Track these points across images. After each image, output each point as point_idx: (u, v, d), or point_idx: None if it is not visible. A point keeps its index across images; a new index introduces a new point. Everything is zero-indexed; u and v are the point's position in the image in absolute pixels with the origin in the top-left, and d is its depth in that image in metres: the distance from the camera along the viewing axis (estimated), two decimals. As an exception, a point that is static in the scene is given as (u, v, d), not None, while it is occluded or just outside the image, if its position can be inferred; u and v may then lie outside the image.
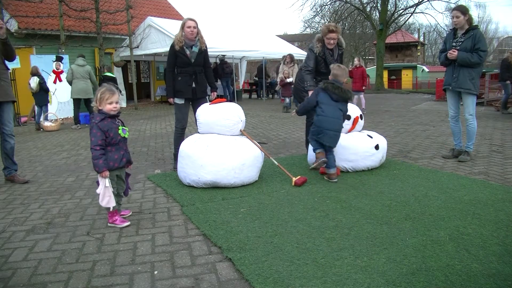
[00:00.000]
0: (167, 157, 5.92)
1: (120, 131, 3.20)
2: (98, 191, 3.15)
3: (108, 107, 3.14)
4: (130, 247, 2.87)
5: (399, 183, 4.18)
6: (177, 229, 3.17)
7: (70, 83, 10.04)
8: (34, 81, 9.73)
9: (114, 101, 3.16)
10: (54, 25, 13.28)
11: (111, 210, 3.24)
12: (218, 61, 16.30)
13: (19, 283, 2.43)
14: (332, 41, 4.99)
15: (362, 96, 11.39)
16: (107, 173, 3.13)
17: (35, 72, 9.89)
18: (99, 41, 13.33)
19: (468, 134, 5.09)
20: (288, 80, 11.92)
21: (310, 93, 5.23)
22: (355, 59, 12.35)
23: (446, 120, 7.82)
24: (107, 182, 3.13)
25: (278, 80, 12.04)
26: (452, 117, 5.24)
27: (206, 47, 4.98)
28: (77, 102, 10.06)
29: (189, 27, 4.72)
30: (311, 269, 2.43)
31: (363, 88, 11.48)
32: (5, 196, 4.26)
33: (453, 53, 4.79)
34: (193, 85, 4.91)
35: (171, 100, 4.99)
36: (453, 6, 19.00)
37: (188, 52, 4.80)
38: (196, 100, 4.99)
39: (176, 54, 4.80)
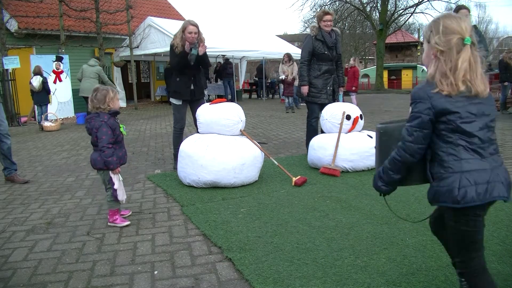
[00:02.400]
0: (167, 157, 5.92)
1: (122, 129, 3.27)
2: (115, 187, 3.21)
3: (118, 103, 3.29)
4: (130, 247, 2.87)
5: (399, 183, 4.17)
6: (177, 229, 3.17)
7: (79, 81, 10.20)
8: (37, 80, 9.74)
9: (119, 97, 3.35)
10: (54, 25, 13.28)
11: (119, 206, 3.33)
12: (222, 60, 16.33)
13: (19, 283, 2.43)
14: (329, 23, 5.22)
15: (353, 97, 11.37)
16: (119, 169, 3.25)
17: (38, 71, 9.89)
18: (99, 41, 13.32)
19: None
20: (282, 77, 11.94)
21: (303, 88, 5.29)
22: (351, 58, 12.36)
23: (446, 120, 7.82)
24: (120, 177, 3.25)
25: (283, 77, 12.05)
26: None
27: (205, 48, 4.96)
28: (85, 100, 10.10)
29: (190, 32, 4.70)
30: (311, 269, 2.43)
31: (353, 88, 11.41)
32: (5, 196, 4.26)
33: None
34: (192, 86, 4.90)
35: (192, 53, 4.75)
36: (453, 6, 19.03)
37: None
38: (194, 101, 4.97)
39: (176, 55, 4.79)
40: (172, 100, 4.99)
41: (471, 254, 1.72)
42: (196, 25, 4.75)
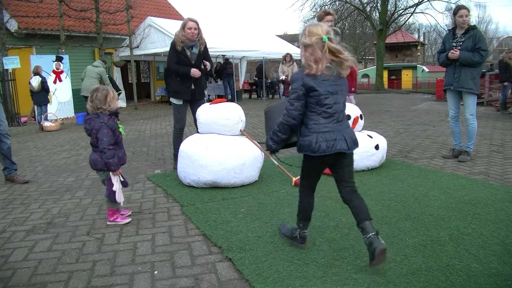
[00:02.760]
0: (167, 157, 5.92)
1: (121, 129, 3.26)
2: (114, 189, 3.20)
3: (117, 103, 3.28)
4: (130, 247, 2.87)
5: (399, 183, 4.18)
6: (177, 229, 3.17)
7: (82, 80, 10.25)
8: (36, 80, 9.74)
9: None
10: (54, 25, 13.28)
11: (118, 206, 3.33)
12: (222, 61, 16.34)
13: (19, 283, 2.43)
14: (330, 24, 5.12)
15: (352, 97, 11.31)
16: (120, 170, 3.25)
17: (36, 72, 9.89)
18: (99, 41, 13.32)
19: (468, 134, 5.09)
20: (283, 77, 11.93)
21: None
22: None
23: (446, 120, 7.82)
24: (120, 178, 3.25)
25: (283, 78, 12.02)
26: (452, 117, 5.23)
27: (205, 46, 4.95)
28: (86, 99, 10.14)
29: (190, 28, 4.68)
30: (311, 269, 2.43)
31: (352, 89, 11.34)
32: (5, 196, 4.25)
33: (455, 53, 4.78)
34: (192, 86, 4.89)
35: (196, 72, 4.75)
36: (453, 6, 19.01)
37: (188, 53, 4.78)
38: (195, 101, 4.96)
39: (177, 54, 4.78)
40: (173, 100, 4.98)
41: (305, 181, 2.68)
42: (195, 21, 4.72)
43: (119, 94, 12.13)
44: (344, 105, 2.50)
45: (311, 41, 2.38)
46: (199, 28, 4.75)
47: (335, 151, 2.39)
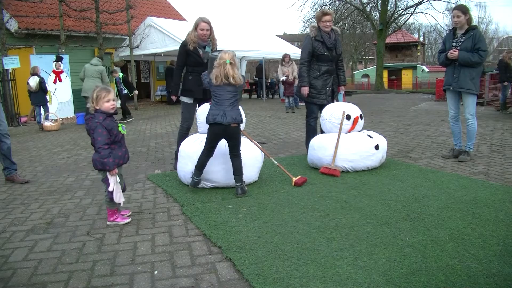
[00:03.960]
0: (167, 157, 5.92)
1: (120, 129, 3.24)
2: (110, 189, 3.18)
3: (106, 105, 3.15)
4: (130, 247, 2.87)
5: (399, 183, 4.18)
6: (177, 229, 3.17)
7: (82, 80, 10.03)
8: (34, 80, 9.72)
9: (111, 99, 3.19)
10: (54, 25, 13.27)
11: (117, 206, 3.31)
12: None
13: (19, 283, 2.43)
14: (328, 24, 5.20)
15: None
16: (117, 170, 3.21)
17: (34, 72, 9.88)
18: (99, 41, 13.32)
19: (468, 134, 5.09)
20: (283, 78, 11.93)
21: (303, 89, 5.28)
22: None
23: (446, 120, 7.83)
24: (117, 178, 3.21)
25: (284, 78, 12.01)
26: (452, 117, 5.23)
27: (217, 48, 4.99)
28: (86, 99, 10.03)
29: (202, 29, 4.72)
30: (311, 269, 2.43)
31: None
32: (5, 196, 4.26)
33: (454, 53, 4.79)
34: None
35: (174, 97, 5.00)
36: (453, 6, 19.01)
37: (201, 52, 4.80)
38: (205, 100, 4.94)
39: (188, 53, 4.79)
40: (183, 99, 4.97)
41: (207, 145, 3.89)
42: (208, 22, 4.76)
43: (132, 95, 12.04)
44: (232, 99, 3.82)
45: (219, 62, 3.76)
46: (211, 29, 4.80)
47: (214, 122, 3.74)
